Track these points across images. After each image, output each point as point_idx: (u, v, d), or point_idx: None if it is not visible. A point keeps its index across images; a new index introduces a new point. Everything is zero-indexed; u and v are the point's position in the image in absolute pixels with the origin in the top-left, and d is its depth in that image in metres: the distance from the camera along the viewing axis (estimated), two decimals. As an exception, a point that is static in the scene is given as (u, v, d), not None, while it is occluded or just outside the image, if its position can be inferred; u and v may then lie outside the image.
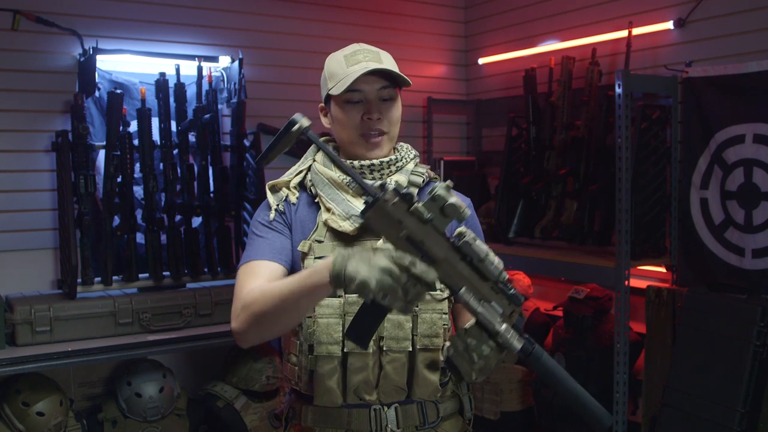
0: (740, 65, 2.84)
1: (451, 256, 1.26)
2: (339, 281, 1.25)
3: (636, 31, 3.19)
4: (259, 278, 1.48)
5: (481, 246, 1.26)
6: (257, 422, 3.21)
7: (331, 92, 1.55)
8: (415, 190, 1.48)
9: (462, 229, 1.28)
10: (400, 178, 1.57)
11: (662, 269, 3.19)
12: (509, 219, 3.54)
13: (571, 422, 3.14)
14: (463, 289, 1.26)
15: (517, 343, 1.25)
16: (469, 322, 1.28)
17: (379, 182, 1.29)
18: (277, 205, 1.59)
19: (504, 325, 1.25)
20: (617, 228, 2.90)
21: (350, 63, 1.54)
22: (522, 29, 3.91)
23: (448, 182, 1.29)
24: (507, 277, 1.28)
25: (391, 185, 1.27)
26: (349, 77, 1.51)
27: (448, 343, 1.29)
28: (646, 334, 2.99)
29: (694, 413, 2.64)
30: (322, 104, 1.63)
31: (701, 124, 2.99)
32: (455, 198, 1.26)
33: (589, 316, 3.15)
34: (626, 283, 2.88)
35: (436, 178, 1.66)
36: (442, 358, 1.42)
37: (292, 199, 1.60)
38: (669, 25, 3.14)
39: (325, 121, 1.63)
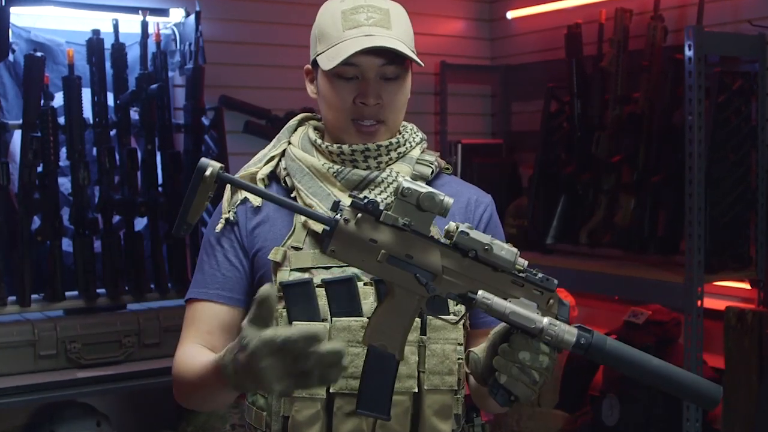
0: None
1: (451, 260, 1.31)
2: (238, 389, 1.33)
3: (712, -26, 3.21)
4: (197, 332, 1.57)
5: (481, 234, 1.32)
6: (220, 484, 3.20)
7: (318, 60, 1.56)
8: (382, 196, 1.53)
9: (451, 224, 1.32)
10: (403, 168, 1.59)
11: (746, 285, 3.21)
12: (547, 220, 3.57)
13: None
14: (479, 293, 1.28)
15: (569, 336, 1.27)
16: (496, 330, 1.34)
17: (335, 200, 1.34)
18: (230, 212, 1.61)
19: (546, 319, 1.28)
20: (687, 232, 2.91)
21: (348, 25, 1.53)
22: (563, -27, 3.96)
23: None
24: (525, 262, 1.33)
25: (345, 201, 1.33)
26: (343, 50, 1.50)
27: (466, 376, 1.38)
28: (724, 369, 2.99)
29: (788, 473, 2.67)
30: (309, 66, 1.64)
31: (798, 96, 3.00)
32: (425, 187, 1.30)
33: (650, 345, 3.14)
34: (699, 303, 2.90)
35: (448, 169, 1.68)
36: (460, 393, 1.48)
37: (254, 200, 1.61)
38: (755, -33, 3.16)
39: (310, 89, 1.65)
